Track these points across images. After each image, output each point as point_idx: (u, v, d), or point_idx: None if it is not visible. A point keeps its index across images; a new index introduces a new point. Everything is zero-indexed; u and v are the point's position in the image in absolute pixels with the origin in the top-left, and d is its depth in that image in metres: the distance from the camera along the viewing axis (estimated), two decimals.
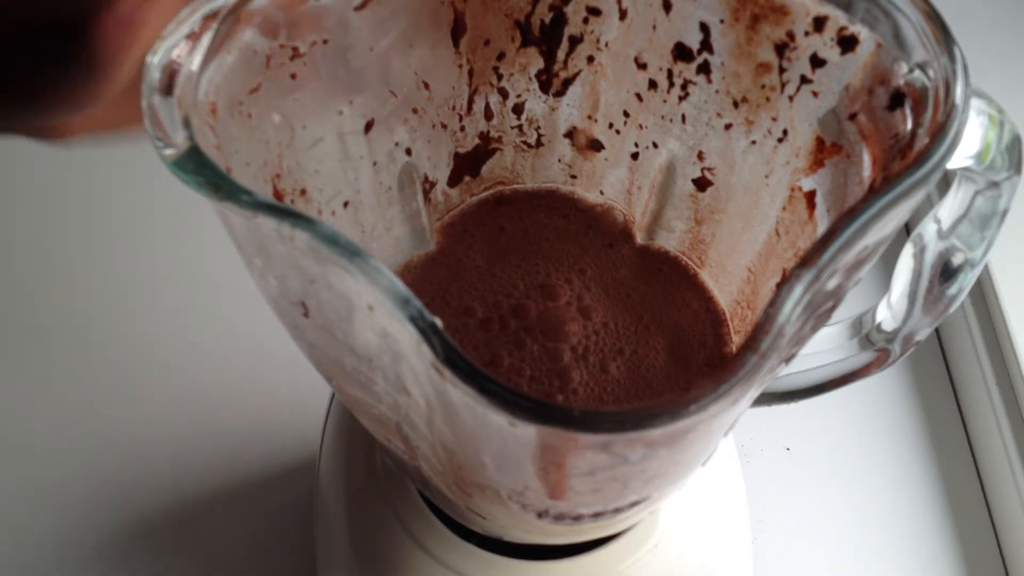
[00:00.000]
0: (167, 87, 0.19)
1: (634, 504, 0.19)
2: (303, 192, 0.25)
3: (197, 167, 0.17)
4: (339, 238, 0.15)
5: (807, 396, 0.28)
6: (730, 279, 0.28)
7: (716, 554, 0.29)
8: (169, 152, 0.18)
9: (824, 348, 0.27)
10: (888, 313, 0.26)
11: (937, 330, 0.48)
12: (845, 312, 0.26)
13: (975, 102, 0.22)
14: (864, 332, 0.27)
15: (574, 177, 0.31)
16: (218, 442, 0.44)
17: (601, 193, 0.31)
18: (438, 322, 0.14)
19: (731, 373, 0.14)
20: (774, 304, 0.15)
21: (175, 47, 0.19)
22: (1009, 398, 0.42)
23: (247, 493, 0.42)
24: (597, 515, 0.19)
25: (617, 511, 0.19)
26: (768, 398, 0.28)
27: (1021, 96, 0.48)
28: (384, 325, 0.16)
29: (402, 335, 0.15)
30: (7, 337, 0.47)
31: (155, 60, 0.19)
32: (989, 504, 0.42)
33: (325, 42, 0.23)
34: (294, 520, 0.40)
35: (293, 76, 0.23)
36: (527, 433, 0.14)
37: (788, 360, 0.20)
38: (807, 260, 0.16)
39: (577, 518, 0.19)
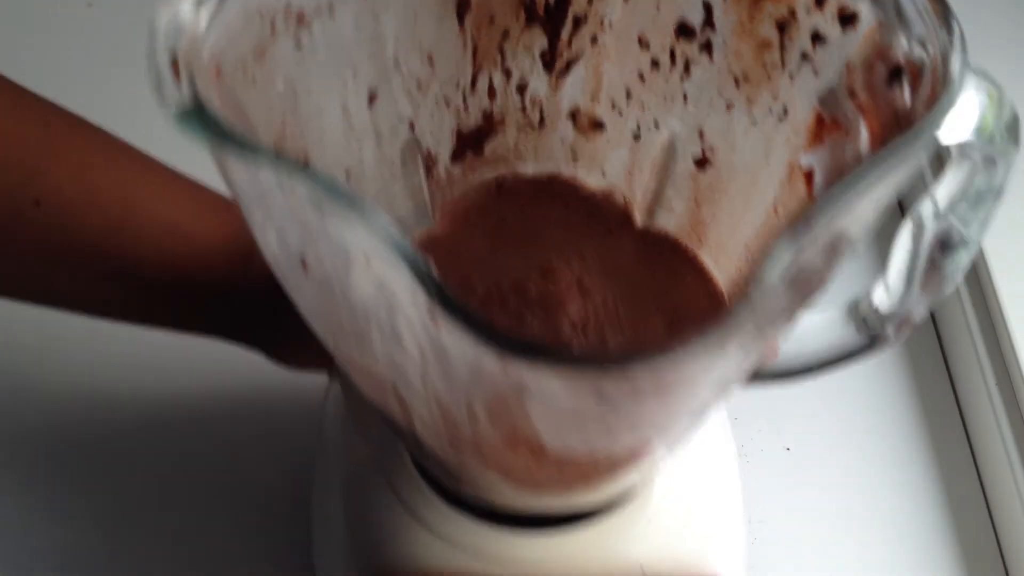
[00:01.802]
0: (172, 46, 0.19)
1: (624, 460, 0.20)
2: (306, 161, 0.25)
3: (200, 120, 0.17)
4: (337, 186, 0.15)
5: (803, 376, 0.28)
6: (729, 259, 0.29)
7: (709, 529, 0.29)
8: (173, 107, 0.18)
9: (820, 330, 0.27)
10: (884, 294, 0.26)
11: (937, 330, 0.48)
12: (841, 295, 0.26)
13: (975, 80, 0.22)
14: (860, 314, 0.27)
15: (576, 158, 0.31)
16: (217, 417, 0.44)
17: (603, 174, 0.31)
18: (431, 263, 0.14)
19: (717, 322, 0.14)
20: (762, 264, 0.15)
21: (181, 7, 0.20)
22: (1009, 398, 0.42)
23: (246, 469, 0.43)
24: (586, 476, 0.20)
25: (611, 469, 0.20)
26: (765, 377, 0.28)
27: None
28: (380, 274, 0.16)
29: (397, 282, 0.15)
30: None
31: (161, 19, 0.19)
32: (989, 504, 0.42)
33: (331, 9, 0.23)
34: (293, 495, 0.41)
35: (298, 43, 0.23)
36: (520, 376, 0.14)
37: (779, 331, 0.21)
38: (799, 222, 0.17)
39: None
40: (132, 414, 0.45)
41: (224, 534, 0.40)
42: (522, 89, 0.30)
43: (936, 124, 0.18)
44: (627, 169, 0.30)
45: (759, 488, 0.41)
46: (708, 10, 0.26)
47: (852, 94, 0.23)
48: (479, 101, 0.30)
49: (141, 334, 0.39)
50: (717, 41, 0.26)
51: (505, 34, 0.29)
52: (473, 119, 0.30)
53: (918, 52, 0.21)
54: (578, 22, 0.29)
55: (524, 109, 0.30)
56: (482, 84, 0.30)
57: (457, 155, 0.31)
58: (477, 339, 0.13)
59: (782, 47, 0.25)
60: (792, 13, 0.24)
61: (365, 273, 0.17)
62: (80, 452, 0.43)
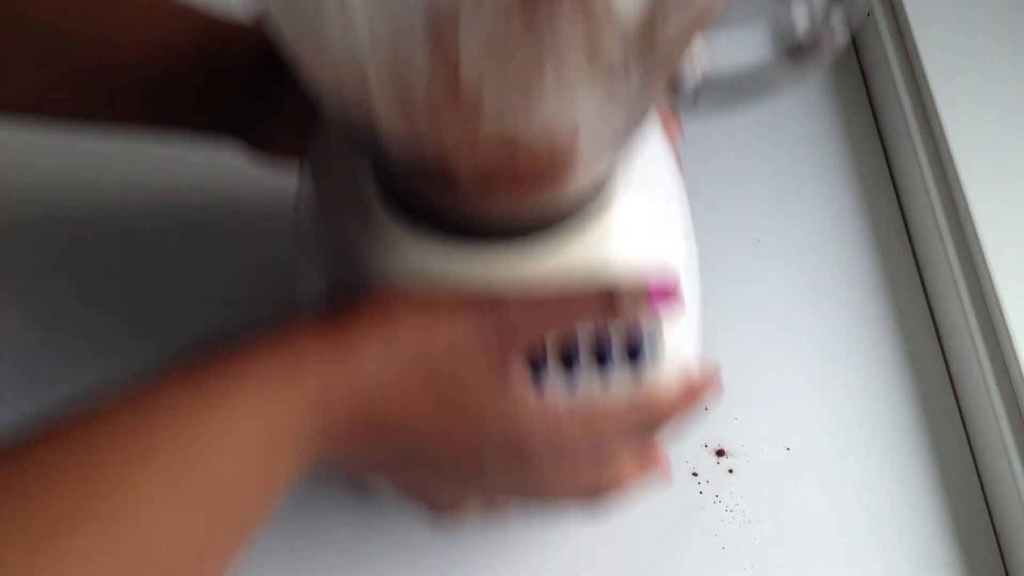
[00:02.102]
0: None
1: (559, 156, 0.22)
2: None
3: None
4: None
5: (731, 101, 0.30)
6: None
7: (665, 247, 0.32)
8: None
9: (749, 56, 0.29)
10: (804, 11, 0.28)
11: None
12: (760, 15, 0.28)
13: None
14: (780, 32, 0.29)
15: None
16: (205, 178, 0.47)
17: None
18: None
19: None
20: None
21: None
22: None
23: (239, 248, 0.46)
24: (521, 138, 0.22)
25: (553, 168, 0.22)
26: (698, 101, 0.30)
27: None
28: None
29: None
30: None
31: None
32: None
33: None
34: (278, 258, 0.43)
35: None
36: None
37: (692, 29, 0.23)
38: None
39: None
40: (133, 211, 0.48)
41: (217, 295, 0.45)
42: None
43: None
44: None
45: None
46: None
47: None
48: None
49: (135, 149, 0.42)
50: None
51: None
52: None
53: None
54: None
55: None
56: None
57: None
58: None
59: None
60: None
61: None
62: (90, 232, 0.47)
